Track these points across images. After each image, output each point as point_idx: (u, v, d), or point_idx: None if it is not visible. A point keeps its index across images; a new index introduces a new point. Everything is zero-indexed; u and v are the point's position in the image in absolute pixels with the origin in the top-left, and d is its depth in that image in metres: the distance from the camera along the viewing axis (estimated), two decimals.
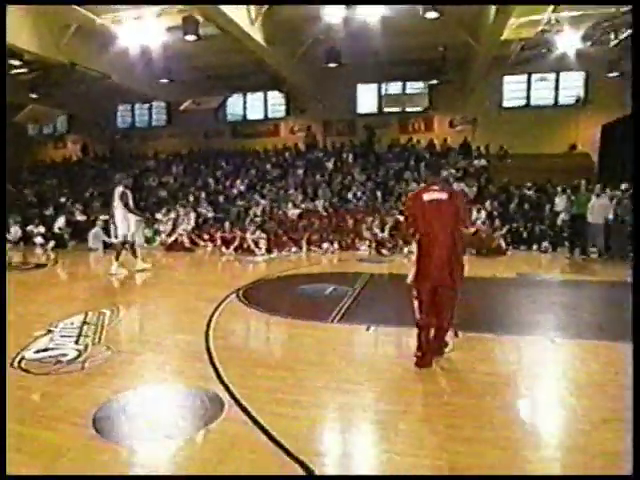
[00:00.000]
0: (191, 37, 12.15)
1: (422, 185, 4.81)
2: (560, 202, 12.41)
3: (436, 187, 3.97)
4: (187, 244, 12.24)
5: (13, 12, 11.53)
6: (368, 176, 17.40)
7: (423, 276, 3.91)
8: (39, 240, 12.82)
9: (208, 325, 5.12)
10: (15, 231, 12.97)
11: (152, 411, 3.22)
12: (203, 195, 16.25)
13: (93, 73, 14.49)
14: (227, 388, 3.47)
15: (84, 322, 5.21)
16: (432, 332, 3.96)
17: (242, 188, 17.29)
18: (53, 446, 2.74)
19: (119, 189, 8.50)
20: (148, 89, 17.54)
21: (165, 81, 16.35)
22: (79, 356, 4.17)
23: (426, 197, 3.94)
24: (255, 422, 2.98)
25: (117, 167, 20.06)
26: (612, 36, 13.40)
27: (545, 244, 11.75)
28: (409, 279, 4.03)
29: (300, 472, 2.47)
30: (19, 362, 4.02)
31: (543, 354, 4.35)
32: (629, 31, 12.51)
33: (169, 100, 20.37)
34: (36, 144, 23.33)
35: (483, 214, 12.47)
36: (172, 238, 12.28)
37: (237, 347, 4.57)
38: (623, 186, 10.35)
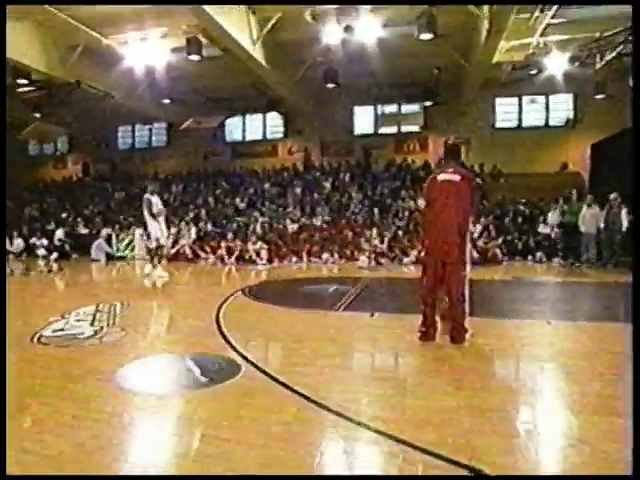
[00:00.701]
0: (195, 57, 12.56)
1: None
2: (553, 217, 12.72)
3: (451, 169, 4.19)
4: (189, 255, 12.41)
5: (23, 30, 11.99)
6: (365, 194, 17.75)
7: (430, 251, 4.13)
8: (42, 252, 12.96)
9: (217, 313, 5.27)
10: (18, 243, 13.12)
11: (171, 370, 3.37)
12: (203, 212, 16.51)
13: (97, 92, 14.89)
14: (242, 356, 3.62)
15: (97, 310, 5.36)
16: (437, 308, 4.13)
17: (241, 206, 17.58)
18: (81, 394, 2.89)
19: (144, 196, 8.74)
20: (149, 109, 17.97)
21: (167, 101, 16.78)
22: (95, 334, 4.32)
23: (440, 177, 4.18)
24: (272, 378, 3.13)
25: (117, 187, 20.46)
26: (598, 58, 14.00)
27: (539, 254, 12.00)
28: (421, 254, 4.26)
29: (316, 410, 2.62)
30: (38, 339, 4.16)
31: (540, 332, 4.56)
32: (613, 54, 13.10)
33: (169, 121, 20.81)
34: (37, 164, 23.60)
35: (478, 227, 12.74)
36: (174, 250, 12.45)
37: (247, 328, 4.72)
38: (612, 196, 10.67)
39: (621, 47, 12.62)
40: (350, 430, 2.37)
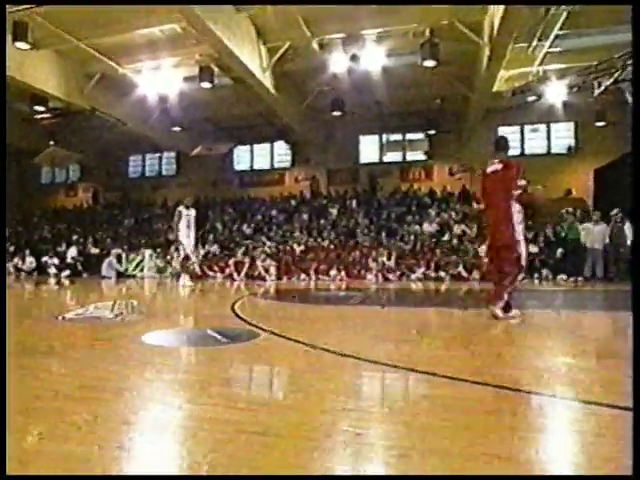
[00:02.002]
0: (206, 85, 13.13)
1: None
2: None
3: (496, 160, 4.54)
4: (198, 272, 12.56)
5: (43, 59, 12.59)
6: (371, 220, 18.00)
7: (488, 237, 4.60)
8: (53, 270, 13.17)
9: (232, 306, 5.41)
10: (30, 261, 13.34)
11: (193, 336, 3.50)
12: (211, 237, 16.76)
13: (111, 119, 15.48)
14: (260, 327, 3.76)
15: (114, 304, 5.48)
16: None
17: (248, 232, 17.85)
18: (114, 349, 3.04)
19: (178, 208, 9.04)
20: (160, 137, 18.57)
21: (177, 129, 17.37)
22: (116, 317, 4.46)
23: (488, 170, 4.56)
24: (289, 339, 3.26)
25: (127, 214, 20.86)
26: (596, 86, 14.46)
27: (545, 272, 12.09)
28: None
29: (334, 356, 2.73)
30: (62, 318, 4.30)
31: (550, 318, 4.67)
32: (610, 80, 13.51)
33: (179, 149, 21.42)
34: (48, 191, 24.18)
35: (484, 246, 12.90)
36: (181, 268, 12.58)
37: (263, 315, 4.86)
38: (614, 211, 10.87)
39: (617, 74, 13.05)
40: (366, 368, 2.51)
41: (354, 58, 12.76)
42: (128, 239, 17.16)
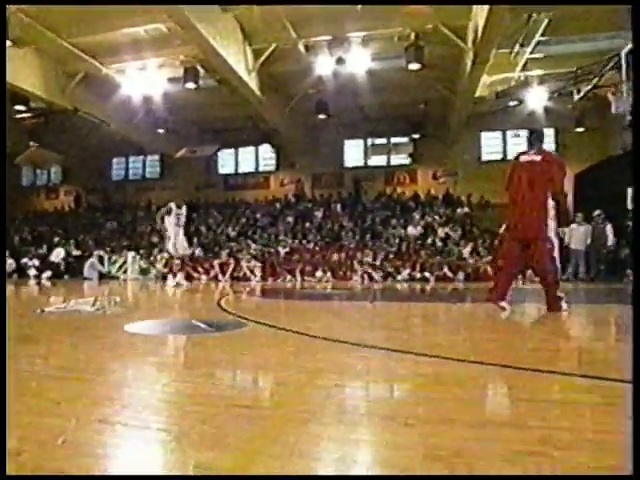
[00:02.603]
0: (191, 85, 13.00)
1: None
2: None
3: (533, 151, 4.42)
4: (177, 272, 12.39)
5: (24, 57, 12.38)
6: (356, 223, 18.05)
7: (512, 229, 4.37)
8: (33, 272, 12.90)
9: (218, 303, 5.35)
10: (9, 263, 13.05)
11: (179, 325, 3.44)
12: (195, 240, 16.60)
13: (93, 120, 15.26)
14: (246, 318, 3.71)
15: (96, 300, 5.38)
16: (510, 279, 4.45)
17: (233, 234, 17.75)
18: (95, 337, 2.97)
19: (169, 204, 8.90)
20: (144, 139, 18.38)
21: (161, 131, 17.21)
22: (98, 310, 4.37)
23: (523, 158, 4.45)
24: (277, 328, 3.23)
25: (109, 217, 20.59)
26: (575, 92, 14.74)
27: (529, 272, 12.20)
28: (501, 229, 4.47)
29: (319, 340, 2.71)
30: (41, 311, 4.20)
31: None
32: (589, 87, 13.75)
33: (163, 152, 21.22)
34: (29, 194, 23.74)
35: (468, 248, 13.05)
36: (167, 269, 12.45)
37: (248, 308, 4.81)
38: (596, 212, 11.06)
39: (596, 80, 13.31)
40: (356, 350, 2.48)
41: (340, 61, 12.79)
42: (111, 242, 16.93)
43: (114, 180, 23.14)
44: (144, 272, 13.33)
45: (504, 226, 4.45)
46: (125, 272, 13.61)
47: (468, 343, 2.72)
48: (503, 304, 4.23)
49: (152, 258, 13.65)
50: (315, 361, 2.15)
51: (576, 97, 14.50)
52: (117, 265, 13.86)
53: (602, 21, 11.72)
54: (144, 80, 13.44)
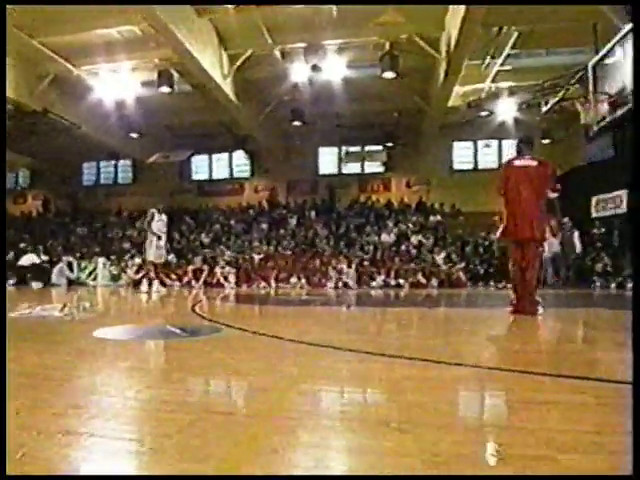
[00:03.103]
0: (165, 89, 12.80)
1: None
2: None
3: (528, 156, 4.55)
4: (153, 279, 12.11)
5: None
6: (330, 230, 18.07)
7: (509, 232, 4.44)
8: None
9: (192, 308, 5.22)
10: None
11: (152, 330, 3.32)
12: (168, 246, 16.30)
13: (64, 123, 14.86)
14: (222, 323, 3.61)
15: (64, 306, 5.18)
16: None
17: (206, 241, 17.53)
18: (62, 342, 2.82)
19: (150, 210, 8.70)
20: (116, 143, 18.00)
21: (134, 135, 16.90)
22: (65, 316, 4.19)
23: (517, 163, 4.54)
24: (254, 333, 3.15)
25: (79, 222, 20.04)
26: (543, 103, 15.16)
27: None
28: (497, 234, 4.48)
29: (297, 344, 2.64)
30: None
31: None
32: (555, 99, 14.13)
33: (136, 157, 20.83)
34: None
35: (442, 255, 13.21)
36: (139, 275, 12.15)
37: (223, 314, 4.70)
38: (564, 220, 11.35)
39: (562, 93, 13.71)
40: (339, 355, 2.41)
41: (315, 68, 12.84)
42: (81, 248, 16.48)
43: (84, 185, 22.62)
44: (115, 278, 12.99)
45: (500, 229, 4.51)
46: (95, 278, 13.25)
47: (449, 346, 2.70)
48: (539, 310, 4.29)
49: (123, 264, 13.31)
50: (296, 365, 2.07)
51: (543, 109, 14.94)
52: (87, 271, 13.48)
53: (567, 37, 12.14)
54: (117, 83, 13.17)
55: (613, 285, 11.71)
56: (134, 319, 4.26)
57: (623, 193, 13.79)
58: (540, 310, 4.34)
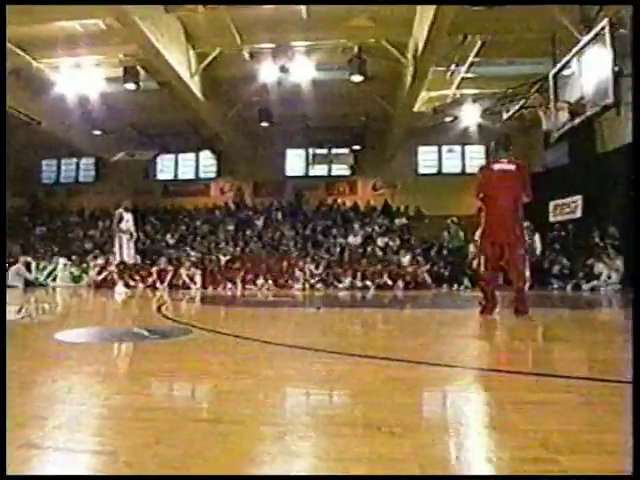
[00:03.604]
0: (131, 86, 12.47)
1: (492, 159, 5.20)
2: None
3: (505, 160, 4.61)
4: (116, 281, 11.74)
5: None
6: (297, 232, 18.04)
7: (488, 233, 4.47)
8: None
9: (158, 310, 5.07)
10: None
11: (118, 332, 3.19)
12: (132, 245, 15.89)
13: (22, 117, 14.25)
14: (192, 325, 3.52)
15: (21, 308, 4.95)
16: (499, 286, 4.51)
17: (172, 242, 17.18)
18: (20, 346, 2.68)
19: (117, 211, 8.40)
20: (78, 140, 17.41)
21: (98, 133, 16.38)
22: (23, 319, 3.99)
23: (496, 167, 4.59)
24: (225, 334, 3.08)
25: (37, 222, 19.26)
26: (504, 110, 15.60)
27: (466, 282, 12.70)
28: (476, 236, 4.48)
29: (270, 345, 2.60)
30: None
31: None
32: (516, 107, 14.56)
33: (99, 155, 20.20)
34: None
35: (407, 257, 13.38)
36: (102, 276, 11.75)
37: (191, 315, 4.59)
38: (526, 223, 11.66)
39: (523, 102, 14.15)
40: (316, 356, 2.37)
41: (283, 69, 12.81)
42: (39, 248, 15.85)
43: (44, 183, 21.75)
44: (76, 279, 12.51)
45: (479, 231, 4.56)
46: (55, 279, 12.73)
47: (430, 346, 2.70)
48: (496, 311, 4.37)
49: (85, 265, 12.84)
50: (275, 368, 2.01)
51: (505, 116, 15.38)
52: (46, 272, 12.92)
53: (527, 48, 12.54)
54: (80, 78, 12.71)
55: (569, 287, 12.14)
56: (98, 321, 4.09)
57: (578, 198, 14.35)
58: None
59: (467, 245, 13.29)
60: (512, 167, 4.57)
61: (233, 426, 1.26)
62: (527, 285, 4.57)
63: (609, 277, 11.37)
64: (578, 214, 14.34)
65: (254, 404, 1.48)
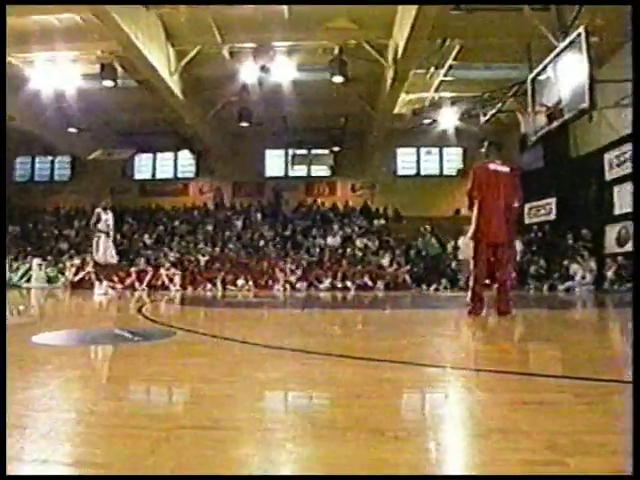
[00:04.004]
0: (109, 83, 12.25)
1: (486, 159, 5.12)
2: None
3: (499, 161, 4.64)
4: (94, 282, 11.49)
5: None
6: (276, 233, 17.99)
7: (481, 233, 4.46)
8: None
9: (139, 311, 4.98)
10: None
11: (100, 334, 3.12)
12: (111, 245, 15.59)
13: None
14: (174, 327, 3.46)
15: None
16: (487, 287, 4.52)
17: (149, 242, 16.94)
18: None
19: (96, 210, 8.21)
20: (53, 138, 17.01)
21: (74, 130, 16.02)
22: None
23: (492, 167, 4.59)
24: (211, 336, 3.04)
25: (11, 221, 18.71)
26: (481, 113, 15.84)
27: (444, 282, 12.87)
28: (468, 236, 4.47)
29: (255, 347, 2.57)
30: None
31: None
32: (493, 111, 14.81)
33: (74, 153, 19.78)
34: None
35: (387, 257, 13.48)
36: (79, 277, 11.49)
37: (173, 316, 4.53)
38: None
39: (499, 105, 14.39)
40: (305, 358, 2.35)
41: (264, 69, 12.74)
42: (12, 247, 15.41)
43: (17, 181, 21.18)
44: (52, 280, 12.21)
45: (472, 231, 4.55)
46: (29, 280, 12.40)
47: (420, 347, 2.71)
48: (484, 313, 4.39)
49: (61, 265, 12.54)
50: (265, 371, 1.97)
51: (482, 119, 15.63)
52: (20, 273, 12.58)
53: (503, 53, 12.79)
54: (55, 74, 12.41)
55: (545, 287, 12.41)
56: (77, 323, 3.98)
57: (552, 201, 14.68)
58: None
59: (443, 251, 13.45)
60: (506, 169, 4.63)
61: (232, 433, 1.22)
62: (513, 287, 4.60)
63: (583, 278, 11.65)
64: (552, 216, 14.67)
65: (250, 409, 1.44)
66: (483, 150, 4.84)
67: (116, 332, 3.15)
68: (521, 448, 1.05)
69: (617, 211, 12.24)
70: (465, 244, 11.84)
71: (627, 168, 11.89)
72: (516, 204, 4.64)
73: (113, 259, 8.58)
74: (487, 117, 15.10)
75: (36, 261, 12.64)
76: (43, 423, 1.32)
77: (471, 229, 4.55)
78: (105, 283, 8.45)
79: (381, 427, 1.23)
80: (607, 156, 12.72)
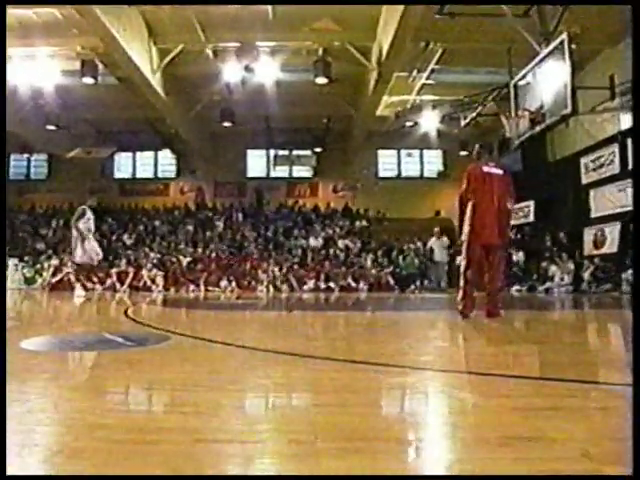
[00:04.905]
0: (89, 80, 11.99)
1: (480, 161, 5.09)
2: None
3: (493, 163, 4.70)
4: (73, 284, 11.24)
5: None
6: (258, 233, 17.91)
7: (475, 235, 4.46)
8: None
9: (126, 314, 4.89)
10: None
11: (90, 339, 3.05)
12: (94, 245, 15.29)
13: None
14: (168, 330, 3.41)
15: None
16: (475, 288, 4.50)
17: (129, 242, 16.67)
18: None
19: (80, 207, 8.00)
20: (30, 135, 16.59)
21: (52, 128, 15.64)
22: None
23: (486, 169, 4.62)
24: (205, 340, 3.01)
25: None
26: (462, 117, 16.04)
27: (426, 282, 13.01)
28: (462, 237, 4.45)
29: (250, 350, 2.56)
30: None
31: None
32: (473, 114, 14.99)
33: (51, 151, 19.33)
34: None
35: (369, 259, 13.55)
36: (57, 278, 11.22)
37: (163, 319, 4.46)
38: None
39: (480, 109, 14.60)
40: (308, 363, 2.33)
41: (247, 69, 12.67)
42: None
43: None
44: (29, 281, 11.90)
45: (466, 232, 4.54)
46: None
47: (417, 351, 2.72)
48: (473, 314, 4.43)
49: (38, 266, 12.23)
50: (271, 377, 1.94)
51: (462, 123, 15.82)
52: None
53: (484, 58, 13.00)
54: (33, 69, 12.10)
55: (524, 288, 12.63)
56: (64, 327, 3.88)
57: (531, 204, 14.98)
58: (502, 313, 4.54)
59: (419, 269, 13.61)
60: (499, 171, 4.70)
61: (248, 446, 1.16)
62: (503, 289, 4.67)
63: (562, 279, 11.90)
64: (531, 218, 14.96)
65: (262, 418, 1.42)
66: (474, 153, 4.89)
67: (107, 337, 3.09)
68: (551, 457, 1.03)
69: (593, 214, 12.54)
70: (440, 245, 12.02)
71: (603, 172, 12.21)
72: (509, 205, 4.70)
73: (99, 256, 8.40)
74: (467, 120, 15.30)
75: (12, 262, 12.31)
76: (43, 439, 1.22)
77: (465, 230, 4.58)
78: (79, 284, 8.22)
79: (403, 437, 1.21)
80: (583, 160, 13.04)
